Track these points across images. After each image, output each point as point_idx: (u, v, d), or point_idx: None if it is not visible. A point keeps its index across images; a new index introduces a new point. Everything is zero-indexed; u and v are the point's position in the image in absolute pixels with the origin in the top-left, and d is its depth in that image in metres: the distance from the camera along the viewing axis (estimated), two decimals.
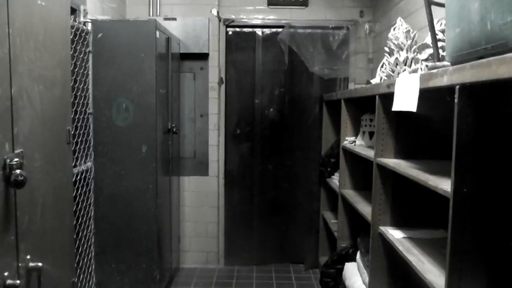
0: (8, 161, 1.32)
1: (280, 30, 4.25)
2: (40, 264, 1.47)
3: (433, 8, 1.75)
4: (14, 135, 1.38)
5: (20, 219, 1.41)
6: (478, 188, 1.29)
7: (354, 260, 2.91)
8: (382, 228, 2.13)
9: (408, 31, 2.22)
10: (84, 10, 2.95)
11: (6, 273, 1.32)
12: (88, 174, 3.01)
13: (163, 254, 3.50)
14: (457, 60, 1.39)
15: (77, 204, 2.77)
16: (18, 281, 1.34)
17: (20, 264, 1.41)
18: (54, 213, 1.71)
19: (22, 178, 1.33)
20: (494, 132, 1.27)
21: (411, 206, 2.14)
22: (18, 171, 1.33)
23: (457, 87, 1.25)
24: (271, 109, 4.40)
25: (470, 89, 1.24)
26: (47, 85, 1.64)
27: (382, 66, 2.52)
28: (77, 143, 2.76)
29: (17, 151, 1.38)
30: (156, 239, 3.20)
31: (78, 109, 2.79)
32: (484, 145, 1.27)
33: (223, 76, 4.28)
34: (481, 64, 1.13)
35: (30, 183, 1.42)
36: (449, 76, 1.32)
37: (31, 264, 1.46)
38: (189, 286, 3.94)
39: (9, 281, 1.32)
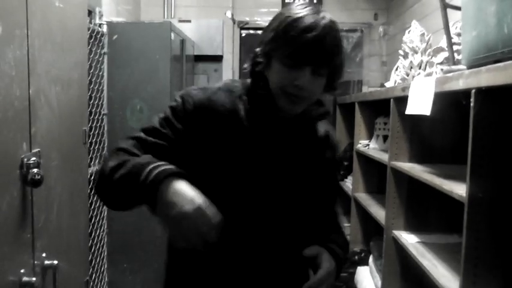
0: (26, 160, 1.34)
1: None
2: (55, 262, 1.49)
3: (448, 11, 1.74)
4: (32, 135, 1.40)
5: (37, 218, 1.43)
6: (493, 193, 1.27)
7: (366, 263, 2.89)
8: (396, 233, 2.12)
9: (423, 34, 2.21)
10: (100, 12, 2.98)
11: (22, 271, 1.34)
12: None
13: None
14: (473, 64, 1.38)
15: (91, 204, 2.80)
16: (34, 279, 1.36)
17: (35, 262, 1.43)
18: (70, 212, 1.73)
19: (39, 177, 1.34)
20: (510, 136, 1.26)
21: (425, 210, 2.12)
22: (35, 170, 1.34)
23: (473, 91, 1.25)
24: None
25: (486, 93, 1.23)
26: (64, 86, 1.66)
27: (396, 69, 2.51)
28: (91, 143, 2.78)
29: (34, 150, 1.40)
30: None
31: (93, 110, 2.82)
32: (500, 150, 1.26)
33: (237, 78, 4.29)
34: (497, 68, 1.13)
35: (46, 182, 1.44)
36: (465, 80, 1.31)
37: (46, 262, 1.48)
38: None
39: (25, 278, 1.34)
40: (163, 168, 0.97)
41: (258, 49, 1.18)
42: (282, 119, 1.17)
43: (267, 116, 1.16)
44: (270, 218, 1.15)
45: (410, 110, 1.77)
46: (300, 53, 1.08)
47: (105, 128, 3.07)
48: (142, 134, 1.12)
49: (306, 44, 1.08)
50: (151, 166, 0.98)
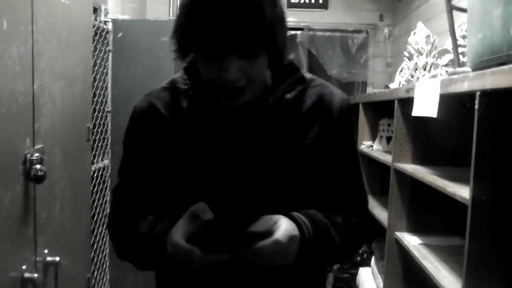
0: (29, 156, 1.34)
1: (299, 32, 4.25)
2: (57, 258, 1.49)
3: (454, 13, 1.73)
4: (35, 131, 1.40)
5: (39, 214, 1.44)
6: (497, 195, 1.27)
7: (368, 265, 2.89)
8: (398, 234, 2.11)
9: (428, 36, 2.20)
10: (105, 9, 2.98)
11: (24, 267, 1.34)
12: (105, 172, 3.04)
13: None
14: (478, 66, 1.37)
15: (93, 202, 2.80)
16: (35, 275, 1.36)
17: (37, 258, 1.43)
18: (72, 208, 1.73)
19: (42, 173, 1.35)
20: None
21: (428, 212, 2.11)
22: (38, 166, 1.35)
23: (478, 93, 1.24)
24: None
25: (490, 96, 1.22)
26: (68, 82, 1.66)
27: (401, 71, 2.50)
28: (94, 140, 2.79)
29: (37, 146, 1.40)
30: None
31: (97, 107, 2.82)
32: (504, 152, 1.26)
33: None
34: (502, 70, 1.12)
35: (49, 178, 1.44)
36: (469, 82, 1.30)
37: (48, 258, 1.48)
38: None
39: (27, 275, 1.34)
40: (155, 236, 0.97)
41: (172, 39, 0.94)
42: (236, 107, 0.97)
43: (210, 110, 0.99)
44: (254, 213, 0.93)
45: (416, 112, 1.76)
46: (209, 42, 0.84)
47: (109, 126, 3.07)
48: (118, 180, 1.10)
49: (212, 30, 0.83)
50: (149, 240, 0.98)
